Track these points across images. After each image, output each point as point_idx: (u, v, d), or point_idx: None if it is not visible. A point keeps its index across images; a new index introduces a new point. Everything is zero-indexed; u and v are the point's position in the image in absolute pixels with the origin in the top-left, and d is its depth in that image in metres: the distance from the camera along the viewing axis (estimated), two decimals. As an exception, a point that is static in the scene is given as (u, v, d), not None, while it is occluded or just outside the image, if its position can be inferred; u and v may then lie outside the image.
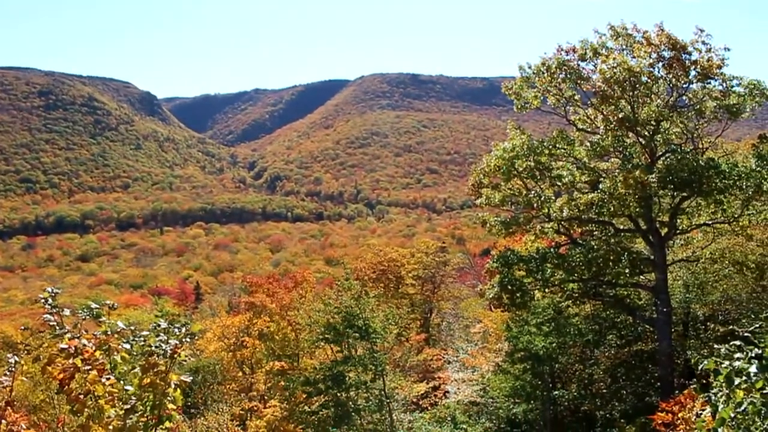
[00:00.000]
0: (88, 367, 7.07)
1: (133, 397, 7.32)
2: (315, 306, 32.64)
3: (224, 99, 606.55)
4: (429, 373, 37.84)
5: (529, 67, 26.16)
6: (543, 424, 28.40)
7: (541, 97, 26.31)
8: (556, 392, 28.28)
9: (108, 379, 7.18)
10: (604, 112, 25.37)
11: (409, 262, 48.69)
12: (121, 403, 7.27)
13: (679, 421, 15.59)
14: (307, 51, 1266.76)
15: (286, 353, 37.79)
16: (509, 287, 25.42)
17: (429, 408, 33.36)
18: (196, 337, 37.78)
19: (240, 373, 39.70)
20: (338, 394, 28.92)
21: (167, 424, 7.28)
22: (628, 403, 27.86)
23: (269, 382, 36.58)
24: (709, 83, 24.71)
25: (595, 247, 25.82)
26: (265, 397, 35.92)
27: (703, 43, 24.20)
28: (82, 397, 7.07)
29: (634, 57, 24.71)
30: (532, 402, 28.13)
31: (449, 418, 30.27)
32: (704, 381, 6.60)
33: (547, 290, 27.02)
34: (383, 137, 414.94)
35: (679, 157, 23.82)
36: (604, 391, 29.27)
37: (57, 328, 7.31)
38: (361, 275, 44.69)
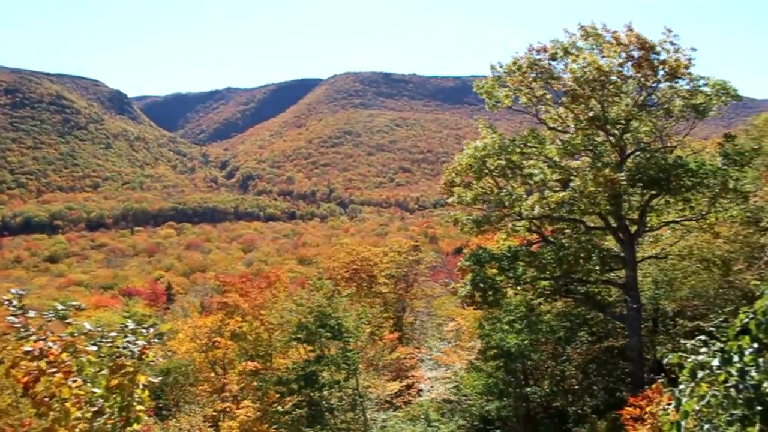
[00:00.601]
0: (54, 370, 6.95)
1: (101, 399, 7.21)
2: (287, 305, 32.45)
3: (196, 98, 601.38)
4: (402, 371, 37.83)
5: (501, 67, 26.28)
6: (516, 420, 28.56)
7: (513, 96, 26.41)
8: (529, 389, 28.46)
9: (74, 381, 7.06)
10: (575, 111, 25.58)
11: (381, 261, 48.61)
12: (88, 406, 7.16)
13: (646, 416, 15.83)
14: (279, 50, 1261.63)
15: (259, 353, 37.50)
16: (481, 285, 25.53)
17: (402, 406, 33.34)
18: (167, 338, 37.39)
19: (212, 374, 39.28)
20: (311, 394, 28.82)
21: (135, 426, 7.19)
22: (599, 398, 28.19)
23: (242, 383, 36.24)
24: (677, 83, 25.06)
25: (566, 244, 26.05)
26: (238, 398, 35.61)
27: (671, 43, 24.53)
28: (47, 400, 6.95)
29: (604, 56, 24.96)
30: (504, 399, 28.28)
31: (423, 416, 30.26)
32: (672, 376, 6.69)
33: (519, 288, 27.18)
34: (356, 136, 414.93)
35: (648, 156, 24.18)
36: (576, 387, 29.56)
37: (22, 330, 7.18)
38: (333, 274, 44.56)
